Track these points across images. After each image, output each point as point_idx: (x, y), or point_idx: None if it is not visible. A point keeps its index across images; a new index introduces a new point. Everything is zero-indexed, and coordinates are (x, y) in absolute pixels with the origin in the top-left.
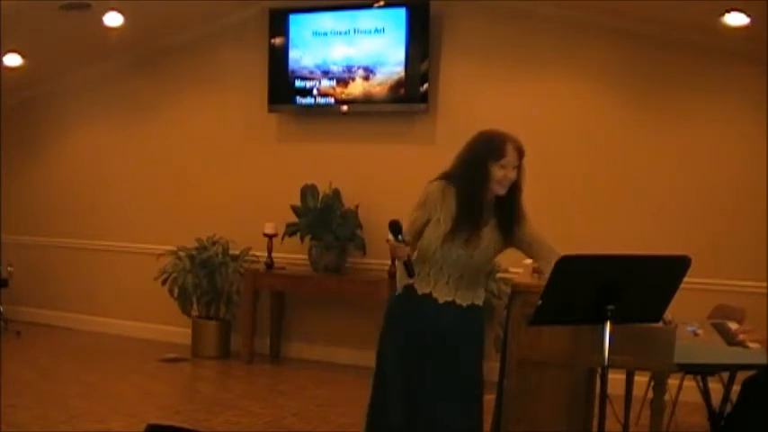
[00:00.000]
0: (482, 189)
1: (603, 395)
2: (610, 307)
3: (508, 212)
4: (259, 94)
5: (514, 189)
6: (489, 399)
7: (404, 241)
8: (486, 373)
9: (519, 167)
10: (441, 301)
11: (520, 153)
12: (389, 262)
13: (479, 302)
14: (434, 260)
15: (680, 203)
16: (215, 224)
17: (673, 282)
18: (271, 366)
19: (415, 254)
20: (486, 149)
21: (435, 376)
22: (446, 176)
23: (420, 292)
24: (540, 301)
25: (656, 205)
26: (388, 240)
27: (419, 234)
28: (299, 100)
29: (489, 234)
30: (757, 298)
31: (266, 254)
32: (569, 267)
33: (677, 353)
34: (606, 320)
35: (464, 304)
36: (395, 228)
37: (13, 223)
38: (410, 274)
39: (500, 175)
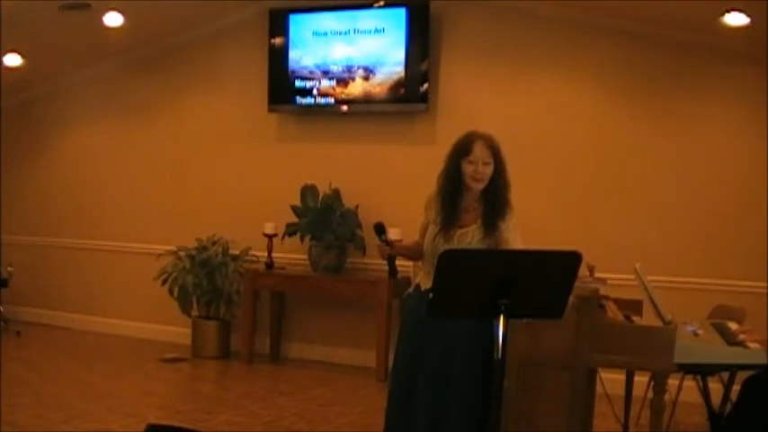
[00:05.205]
0: (455, 185)
1: (499, 389)
2: (503, 302)
3: (490, 208)
4: (259, 94)
5: (497, 184)
6: None
7: (386, 242)
8: None
9: (496, 163)
10: None
11: (491, 149)
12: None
13: None
14: (430, 257)
15: (680, 203)
16: (215, 224)
17: (566, 277)
18: (271, 366)
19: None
20: (457, 148)
21: (443, 376)
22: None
23: (423, 288)
24: (431, 295)
25: (657, 205)
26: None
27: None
28: (299, 100)
29: (474, 231)
30: (757, 298)
31: (266, 254)
32: (450, 262)
33: (677, 353)
34: (499, 315)
35: None
36: (378, 229)
37: (13, 223)
38: (390, 272)
39: (470, 170)
